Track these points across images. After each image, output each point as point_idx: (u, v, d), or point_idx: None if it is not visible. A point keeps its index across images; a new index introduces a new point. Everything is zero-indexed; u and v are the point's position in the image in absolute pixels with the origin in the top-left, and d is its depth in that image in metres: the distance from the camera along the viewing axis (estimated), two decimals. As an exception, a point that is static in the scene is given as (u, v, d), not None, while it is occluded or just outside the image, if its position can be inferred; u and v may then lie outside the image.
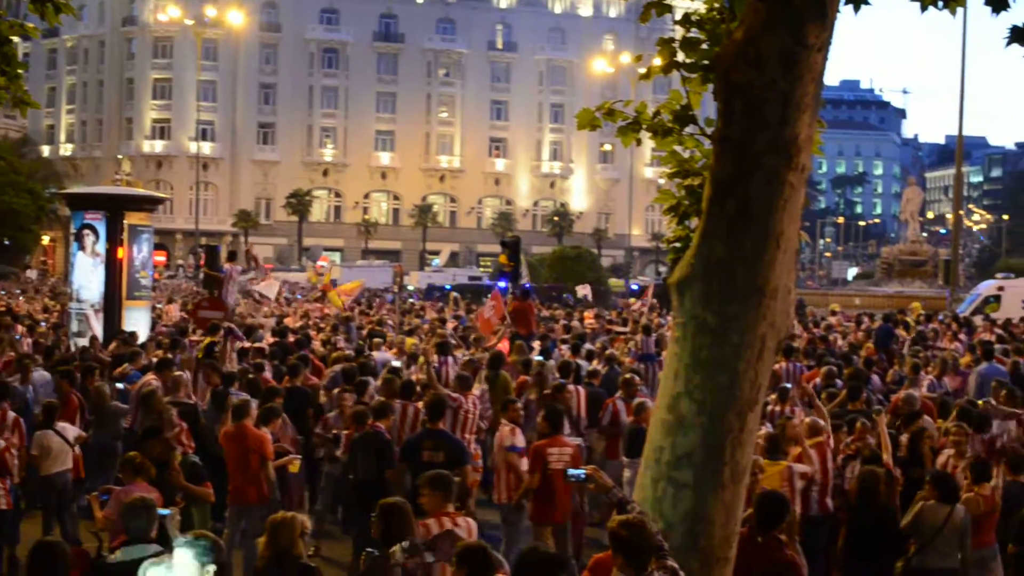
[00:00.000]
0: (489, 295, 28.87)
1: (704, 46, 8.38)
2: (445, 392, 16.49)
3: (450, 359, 22.78)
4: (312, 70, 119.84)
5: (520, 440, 14.87)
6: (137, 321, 28.06)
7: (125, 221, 28.11)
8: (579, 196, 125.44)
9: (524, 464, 14.40)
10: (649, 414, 15.40)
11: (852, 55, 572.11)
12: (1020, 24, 8.02)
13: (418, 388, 17.39)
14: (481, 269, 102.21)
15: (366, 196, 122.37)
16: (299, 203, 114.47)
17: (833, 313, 42.93)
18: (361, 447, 14.74)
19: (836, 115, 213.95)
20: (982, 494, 12.35)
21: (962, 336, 31.98)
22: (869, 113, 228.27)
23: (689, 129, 8.70)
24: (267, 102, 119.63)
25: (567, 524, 14.36)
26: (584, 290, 60.25)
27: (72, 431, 16.05)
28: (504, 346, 23.72)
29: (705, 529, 7.48)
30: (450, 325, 33.13)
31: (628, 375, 19.44)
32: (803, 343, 28.16)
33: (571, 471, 9.03)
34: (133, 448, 13.02)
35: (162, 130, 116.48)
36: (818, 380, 20.44)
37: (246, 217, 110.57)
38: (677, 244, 8.90)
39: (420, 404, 16.21)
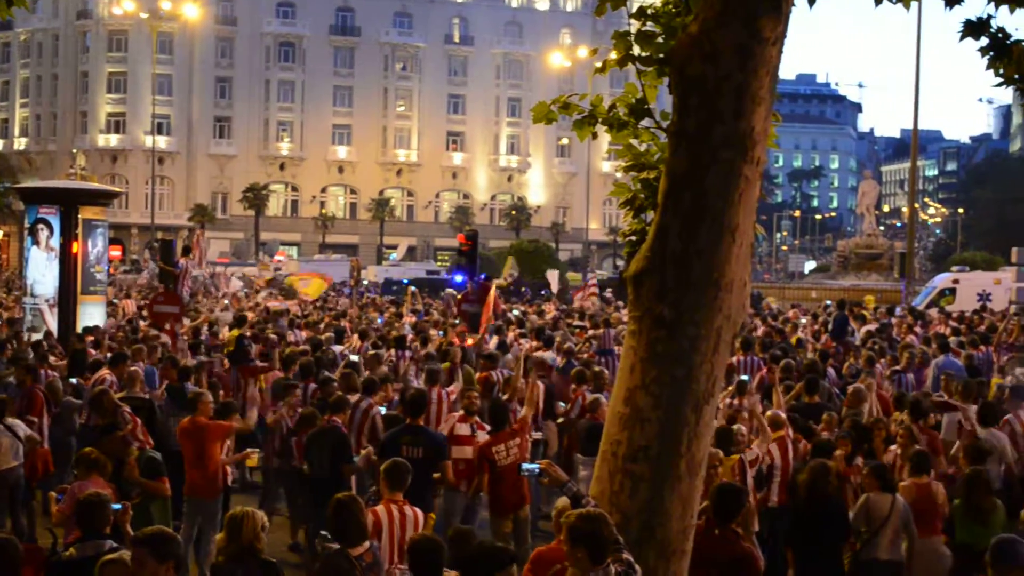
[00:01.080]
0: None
1: (660, 40, 8.37)
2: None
3: (407, 353, 22.81)
4: (268, 64, 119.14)
5: (465, 430, 14.89)
6: (92, 316, 27.91)
7: (80, 215, 27.89)
8: (537, 190, 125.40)
9: (467, 452, 14.44)
10: (604, 410, 15.54)
11: (808, 49, 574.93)
12: (973, 18, 8.09)
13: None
14: (439, 263, 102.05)
15: (323, 190, 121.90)
16: (256, 197, 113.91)
17: (770, 308, 43.23)
18: (316, 443, 14.71)
19: (792, 109, 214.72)
20: (918, 483, 12.49)
21: (917, 329, 32.20)
22: (825, 107, 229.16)
23: (645, 122, 8.70)
24: (223, 96, 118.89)
25: (527, 516, 14.37)
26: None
27: (23, 428, 15.88)
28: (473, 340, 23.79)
29: (662, 522, 7.51)
30: (407, 320, 33.16)
31: (599, 368, 19.50)
32: (760, 336, 28.29)
33: (525, 465, 9.01)
34: (88, 444, 12.96)
35: (117, 124, 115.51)
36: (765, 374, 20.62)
37: (202, 211, 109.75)
38: (633, 237, 8.89)
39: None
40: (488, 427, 14.87)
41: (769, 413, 14.71)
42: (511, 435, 14.11)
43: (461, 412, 15.52)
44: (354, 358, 21.65)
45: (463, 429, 15.02)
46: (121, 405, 14.99)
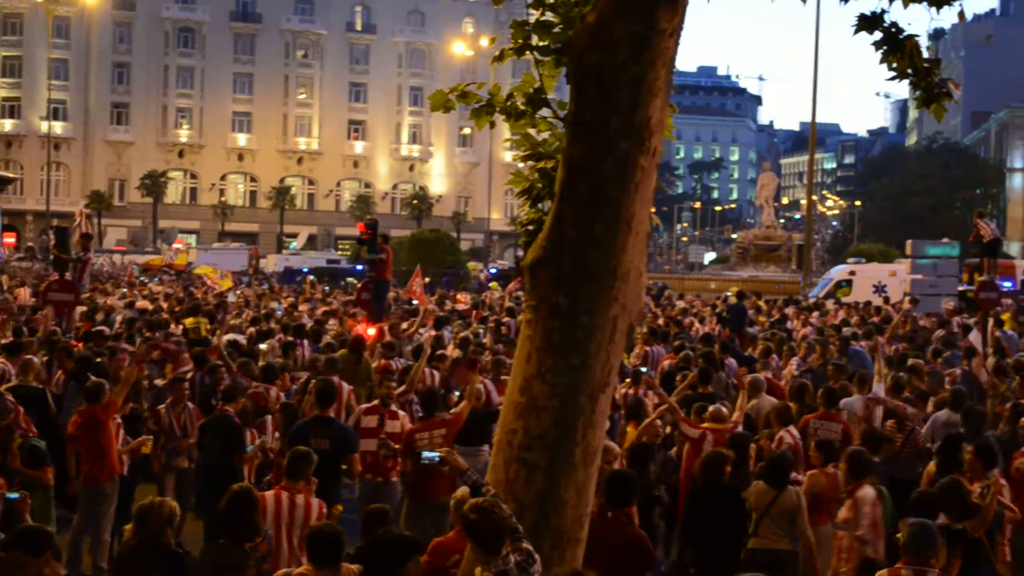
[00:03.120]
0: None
1: (557, 29, 8.39)
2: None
3: (305, 342, 22.69)
4: (167, 49, 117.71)
5: (372, 422, 14.81)
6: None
7: (-29, 202, 27.42)
8: (438, 179, 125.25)
9: (372, 445, 14.37)
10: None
11: (710, 42, 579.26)
12: (867, 12, 8.20)
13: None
14: (340, 252, 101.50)
15: (223, 178, 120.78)
16: (154, 184, 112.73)
17: (670, 299, 43.66)
18: (209, 431, 14.59)
19: (693, 101, 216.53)
20: (825, 472, 12.67)
21: (813, 320, 32.61)
22: (726, 99, 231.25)
23: (543, 112, 8.71)
24: (121, 81, 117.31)
25: (446, 504, 14.27)
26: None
27: None
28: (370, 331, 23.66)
29: (557, 510, 7.53)
30: (303, 308, 33.03)
31: (499, 356, 19.51)
32: (661, 326, 28.51)
33: (425, 453, 9.06)
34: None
35: (11, 109, 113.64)
36: (666, 363, 20.77)
37: (99, 198, 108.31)
38: (530, 227, 8.91)
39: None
40: (401, 415, 14.92)
41: (712, 408, 14.90)
42: (439, 424, 14.06)
43: (373, 403, 15.38)
44: (239, 338, 21.58)
45: (370, 421, 14.90)
46: (4, 394, 14.75)
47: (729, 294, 42.15)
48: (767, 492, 11.97)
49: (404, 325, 24.68)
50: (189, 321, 25.65)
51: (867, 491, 11.31)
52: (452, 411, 14.80)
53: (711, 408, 14.87)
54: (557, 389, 7.44)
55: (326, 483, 11.76)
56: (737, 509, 12.13)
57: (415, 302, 29.85)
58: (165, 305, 33.32)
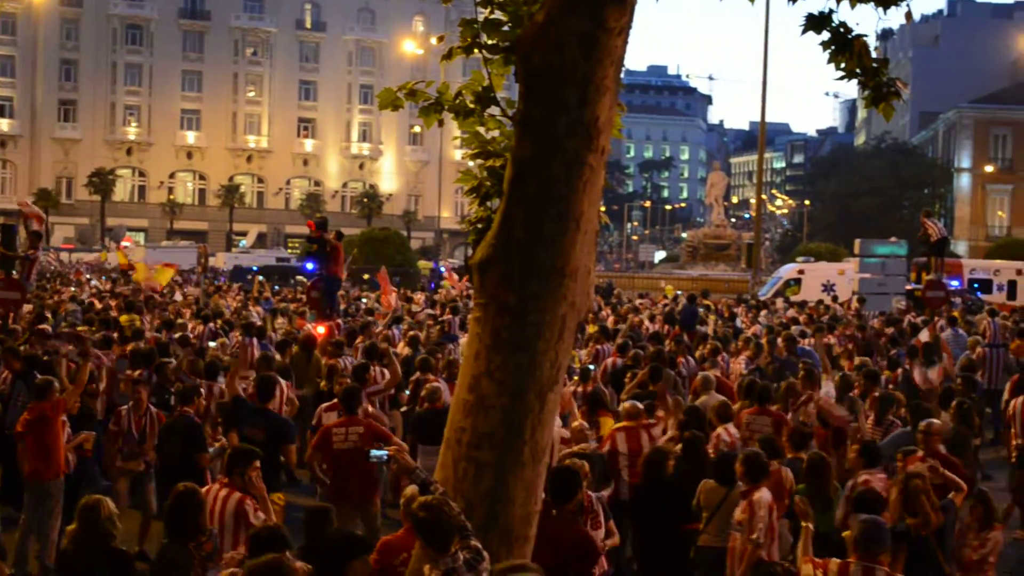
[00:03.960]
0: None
1: (506, 28, 8.39)
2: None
3: (255, 340, 22.62)
4: (115, 46, 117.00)
5: (330, 418, 14.78)
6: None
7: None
8: (389, 178, 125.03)
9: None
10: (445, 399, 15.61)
11: (660, 42, 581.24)
12: (816, 12, 8.25)
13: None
14: (289, 250, 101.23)
15: (171, 176, 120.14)
16: (102, 182, 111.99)
17: (619, 298, 43.80)
18: (168, 433, 14.55)
19: (644, 100, 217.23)
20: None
21: (762, 318, 32.81)
22: (676, 99, 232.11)
23: (491, 110, 8.71)
24: (68, 78, 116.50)
25: (373, 503, 14.29)
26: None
27: None
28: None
29: (505, 508, 7.53)
30: (252, 308, 32.96)
31: (453, 357, 19.54)
32: (611, 325, 28.60)
33: (374, 452, 9.01)
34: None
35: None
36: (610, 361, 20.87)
37: (46, 196, 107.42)
38: (479, 225, 8.90)
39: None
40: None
41: (627, 404, 14.98)
42: (358, 422, 14.00)
43: (334, 400, 15.39)
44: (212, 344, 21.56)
45: (329, 418, 14.90)
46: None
47: (680, 293, 42.37)
48: (717, 490, 12.04)
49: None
50: (124, 319, 25.59)
51: (763, 495, 11.36)
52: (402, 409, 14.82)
53: (625, 404, 15.00)
54: (506, 387, 7.44)
55: (263, 474, 11.73)
56: (679, 504, 12.20)
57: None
58: (113, 303, 33.09)
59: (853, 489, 11.99)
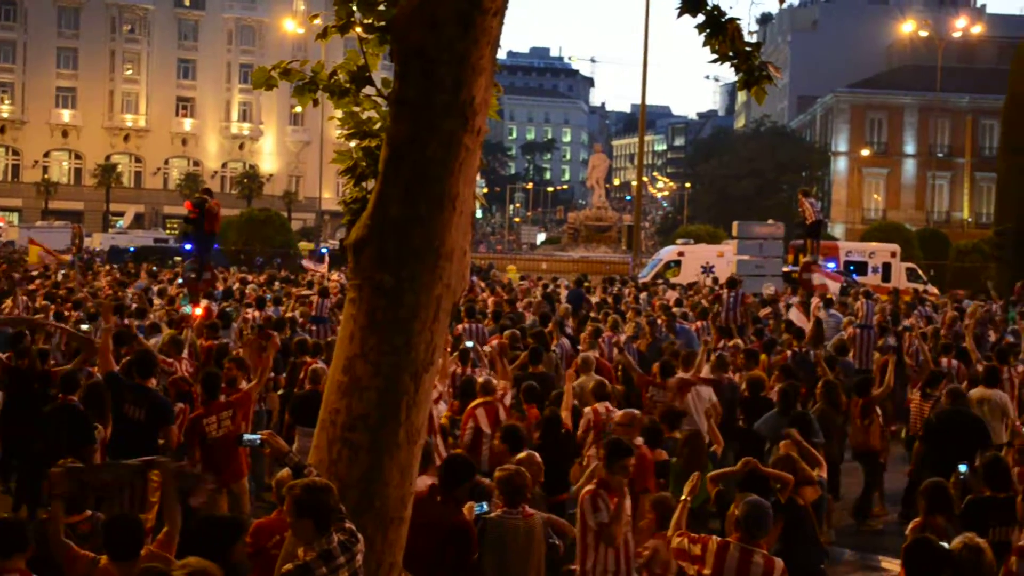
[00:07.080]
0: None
1: (382, 7, 8.34)
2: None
3: (125, 321, 22.33)
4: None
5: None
6: None
7: None
8: (269, 158, 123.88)
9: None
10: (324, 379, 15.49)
11: (542, 23, 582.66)
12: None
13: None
14: (168, 231, 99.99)
15: (46, 155, 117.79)
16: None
17: (497, 278, 44.07)
18: (50, 422, 14.06)
19: (526, 82, 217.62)
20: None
21: (643, 299, 33.04)
22: (558, 81, 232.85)
23: (367, 90, 8.67)
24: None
25: (241, 488, 14.07)
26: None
27: None
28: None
29: (380, 490, 7.52)
30: (130, 290, 32.57)
31: (331, 338, 19.44)
32: (491, 306, 28.63)
33: (246, 436, 8.94)
34: None
35: None
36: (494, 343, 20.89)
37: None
38: (354, 206, 8.84)
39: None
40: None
41: (481, 379, 15.14)
42: (223, 407, 13.80)
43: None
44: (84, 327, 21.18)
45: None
46: None
47: (558, 277, 42.64)
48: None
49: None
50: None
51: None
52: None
53: (480, 380, 15.15)
54: (381, 369, 7.42)
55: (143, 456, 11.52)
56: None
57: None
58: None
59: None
